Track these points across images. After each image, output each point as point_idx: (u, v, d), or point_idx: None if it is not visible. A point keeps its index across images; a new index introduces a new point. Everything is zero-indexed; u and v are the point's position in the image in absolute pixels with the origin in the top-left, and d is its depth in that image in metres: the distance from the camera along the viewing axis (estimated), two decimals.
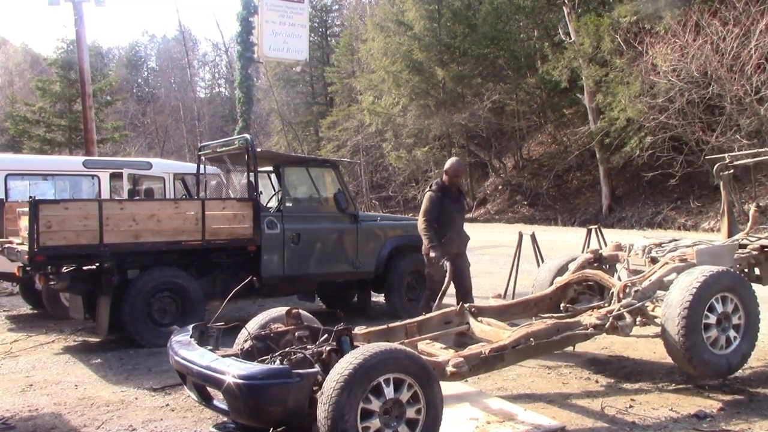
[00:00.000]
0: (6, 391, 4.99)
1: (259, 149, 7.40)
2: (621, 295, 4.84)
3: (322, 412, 3.16)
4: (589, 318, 4.63)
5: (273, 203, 7.80)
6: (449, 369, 3.88)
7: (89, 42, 21.09)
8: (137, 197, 9.55)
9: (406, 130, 32.31)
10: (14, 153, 21.96)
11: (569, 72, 24.28)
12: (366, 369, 3.22)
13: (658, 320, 4.67)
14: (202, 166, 8.29)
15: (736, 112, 18.38)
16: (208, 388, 3.59)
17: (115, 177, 9.60)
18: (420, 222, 6.08)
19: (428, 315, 4.87)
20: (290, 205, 7.31)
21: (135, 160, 11.30)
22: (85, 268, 6.43)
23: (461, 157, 32.93)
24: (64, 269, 6.32)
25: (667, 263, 5.07)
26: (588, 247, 8.40)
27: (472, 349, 4.11)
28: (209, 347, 3.78)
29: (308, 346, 3.70)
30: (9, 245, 6.67)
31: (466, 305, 4.88)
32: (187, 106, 48.18)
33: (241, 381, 3.21)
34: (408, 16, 31.51)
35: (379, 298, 8.24)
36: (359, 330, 4.35)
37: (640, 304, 4.72)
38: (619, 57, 21.12)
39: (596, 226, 9.21)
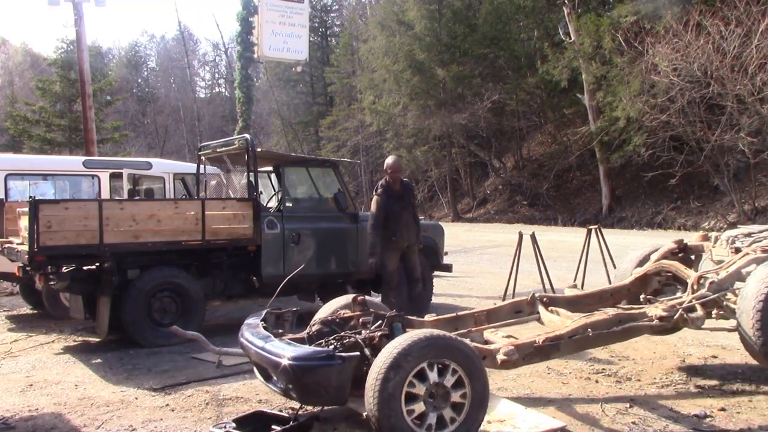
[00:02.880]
0: (6, 391, 4.98)
1: (259, 149, 7.40)
2: (695, 287, 4.76)
3: (369, 391, 3.36)
4: (655, 309, 4.53)
5: (273, 203, 7.80)
6: (500, 357, 3.92)
7: (89, 42, 21.11)
8: (137, 197, 9.55)
9: (407, 129, 32.30)
10: (14, 153, 21.94)
11: (569, 72, 24.29)
12: (411, 353, 3.38)
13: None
14: (202, 166, 8.29)
15: (737, 112, 18.38)
16: (268, 369, 3.82)
17: (115, 177, 9.60)
18: (369, 225, 6.90)
19: (499, 304, 4.98)
20: (290, 205, 7.30)
21: (135, 160, 11.30)
22: (85, 268, 6.42)
23: (463, 156, 33.03)
24: (64, 269, 6.31)
25: (747, 254, 4.89)
26: (588, 247, 8.40)
27: (526, 338, 4.14)
28: (280, 331, 4.04)
29: (362, 331, 3.89)
30: (9, 245, 6.66)
31: (538, 295, 4.93)
32: (187, 106, 48.17)
33: (291, 362, 3.46)
34: (409, 15, 31.53)
35: (379, 297, 8.23)
36: (429, 317, 4.55)
37: (715, 296, 4.59)
38: (620, 56, 21.12)
39: (596, 226, 9.19)
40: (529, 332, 4.70)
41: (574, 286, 5.53)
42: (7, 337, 7.07)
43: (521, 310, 4.81)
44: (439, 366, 3.48)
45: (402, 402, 3.35)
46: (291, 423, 3.64)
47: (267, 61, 22.06)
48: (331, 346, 3.66)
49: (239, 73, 21.57)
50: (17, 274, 6.78)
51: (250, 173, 7.01)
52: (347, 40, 41.52)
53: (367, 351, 3.65)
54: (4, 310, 9.01)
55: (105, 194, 9.19)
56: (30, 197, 5.86)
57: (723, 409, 4.21)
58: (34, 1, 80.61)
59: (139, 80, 61.68)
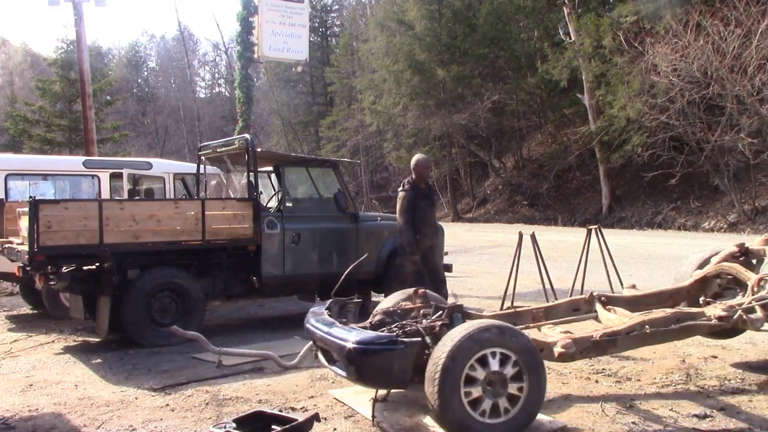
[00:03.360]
0: (6, 391, 4.98)
1: (259, 149, 7.40)
2: (755, 289, 4.77)
3: (429, 375, 3.53)
4: (714, 309, 4.55)
5: (273, 203, 7.80)
6: (557, 350, 4.00)
7: (89, 42, 21.11)
8: (137, 197, 9.55)
9: (407, 129, 32.31)
10: (14, 153, 21.94)
11: (569, 72, 24.29)
12: (471, 341, 3.55)
13: None
14: (202, 166, 8.29)
15: (737, 112, 18.39)
16: (332, 353, 3.99)
17: (115, 177, 9.60)
18: (400, 220, 6.77)
19: (557, 301, 5.04)
20: (290, 205, 7.30)
21: (135, 160, 11.29)
22: (85, 268, 6.43)
23: (463, 156, 33.02)
24: (64, 269, 6.31)
25: None
26: (588, 247, 8.37)
27: (583, 332, 4.20)
28: (343, 320, 4.23)
29: (423, 321, 4.05)
30: (9, 245, 6.66)
31: (596, 293, 4.97)
32: (187, 106, 48.18)
33: (355, 346, 3.65)
34: (409, 16, 31.53)
35: (379, 297, 8.23)
36: (487, 312, 4.70)
37: None
38: (620, 56, 21.12)
39: (596, 226, 9.18)
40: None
41: (633, 287, 5.51)
42: (7, 337, 7.07)
43: (579, 308, 4.90)
44: (499, 355, 3.61)
45: (460, 388, 3.51)
46: (291, 423, 3.64)
47: (267, 61, 22.03)
48: (394, 333, 3.83)
49: (239, 73, 21.55)
50: (17, 274, 6.78)
51: (250, 173, 7.01)
52: (347, 40, 41.53)
53: (427, 339, 3.79)
54: (4, 310, 9.01)
55: (105, 194, 9.19)
56: (30, 197, 5.86)
57: (723, 409, 4.21)
58: (34, 1, 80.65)
59: (139, 80, 61.69)
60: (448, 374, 3.47)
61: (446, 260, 8.55)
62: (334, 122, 39.66)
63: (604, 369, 5.24)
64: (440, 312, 4.12)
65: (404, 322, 4.13)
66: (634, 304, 5.02)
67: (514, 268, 7.85)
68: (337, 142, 39.30)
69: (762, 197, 19.97)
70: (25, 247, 5.92)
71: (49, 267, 6.17)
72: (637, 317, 4.35)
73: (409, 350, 3.65)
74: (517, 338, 3.68)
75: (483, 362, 3.58)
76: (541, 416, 4.06)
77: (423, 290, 4.53)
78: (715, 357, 5.52)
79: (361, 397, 4.49)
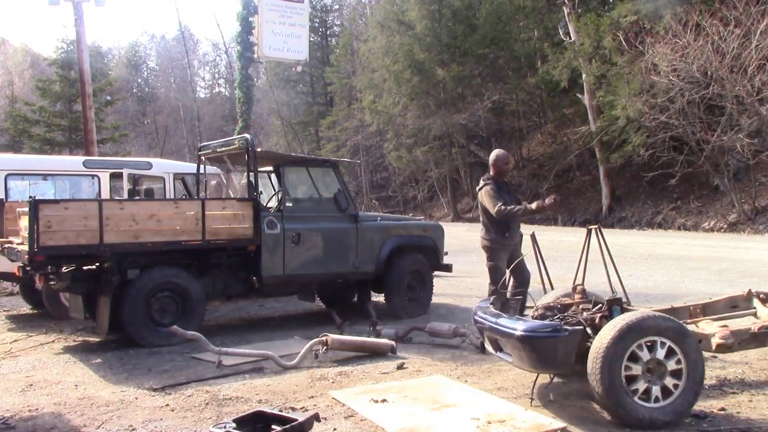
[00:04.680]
0: (6, 391, 4.98)
1: (259, 149, 7.40)
2: None
3: (592, 362, 3.81)
4: None
5: (273, 203, 7.80)
6: (715, 341, 4.16)
7: (89, 42, 21.10)
8: (137, 197, 9.55)
9: (407, 129, 32.31)
10: (14, 153, 21.94)
11: (569, 72, 24.28)
12: (631, 329, 3.79)
13: None
14: (202, 166, 8.29)
15: (737, 112, 18.38)
16: (499, 341, 4.40)
17: (115, 177, 9.60)
18: (496, 209, 6.28)
19: (714, 299, 5.10)
20: (290, 205, 7.30)
21: (135, 160, 11.29)
22: (85, 268, 6.43)
23: (463, 156, 33.02)
24: (64, 269, 6.31)
25: None
26: (588, 247, 8.34)
27: (740, 324, 4.35)
28: (507, 314, 4.58)
29: (584, 313, 4.34)
30: (9, 245, 6.66)
31: (753, 291, 5.01)
32: (187, 106, 48.15)
33: (523, 333, 4.01)
34: (409, 15, 31.53)
35: (379, 298, 8.24)
36: (644, 307, 4.80)
37: None
38: (620, 56, 21.12)
39: (596, 226, 9.16)
40: None
41: None
42: (7, 337, 7.07)
43: (737, 305, 4.97)
44: (658, 344, 3.82)
45: (621, 373, 3.77)
46: (291, 423, 3.63)
47: (267, 61, 22.02)
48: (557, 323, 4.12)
49: (239, 73, 21.52)
50: (17, 274, 6.76)
51: (250, 173, 7.01)
52: (347, 40, 41.53)
53: (588, 329, 4.07)
54: (4, 310, 9.02)
55: (105, 194, 9.18)
56: (30, 197, 5.85)
57: (723, 409, 4.21)
58: (34, 1, 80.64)
59: (139, 80, 61.72)
60: (609, 360, 3.74)
61: (446, 260, 8.56)
62: (334, 122, 39.66)
63: None
64: (600, 305, 4.38)
65: (565, 314, 4.41)
66: None
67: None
68: (337, 142, 39.29)
69: (762, 197, 19.97)
70: (25, 247, 5.92)
71: (49, 267, 6.17)
72: None
73: (572, 338, 3.97)
74: (676, 328, 3.88)
75: (643, 350, 3.81)
76: (541, 416, 4.07)
77: (582, 287, 4.77)
78: (715, 357, 5.51)
79: (361, 398, 4.50)
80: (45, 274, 6.21)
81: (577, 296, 4.73)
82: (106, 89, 28.18)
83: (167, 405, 4.51)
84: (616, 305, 4.26)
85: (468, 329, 6.27)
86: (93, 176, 9.27)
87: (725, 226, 19.76)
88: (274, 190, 8.02)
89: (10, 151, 25.54)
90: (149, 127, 52.78)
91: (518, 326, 4.11)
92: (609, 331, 3.83)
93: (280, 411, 4.02)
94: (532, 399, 4.43)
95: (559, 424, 3.96)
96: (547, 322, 4.21)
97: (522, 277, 6.52)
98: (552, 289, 7.77)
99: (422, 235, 8.23)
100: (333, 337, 5.78)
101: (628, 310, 4.28)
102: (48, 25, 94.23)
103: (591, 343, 3.94)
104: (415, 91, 30.80)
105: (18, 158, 12.38)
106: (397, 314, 7.64)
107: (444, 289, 9.55)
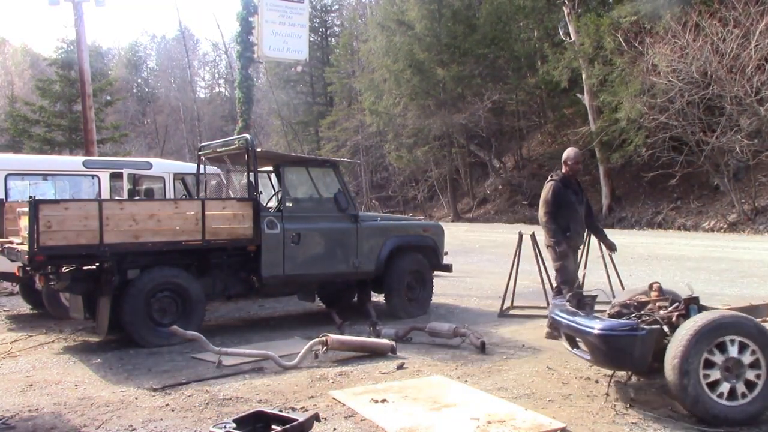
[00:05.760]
0: (6, 391, 4.98)
1: (259, 149, 7.39)
2: None
3: (669, 359, 3.88)
4: None
5: (273, 203, 7.80)
6: None
7: (89, 42, 21.10)
8: (137, 197, 9.55)
9: (407, 130, 32.31)
10: (14, 153, 21.94)
11: (569, 72, 24.28)
12: (708, 328, 3.86)
13: None
14: (202, 166, 8.29)
15: (736, 113, 18.39)
16: (576, 338, 4.49)
17: (115, 177, 9.60)
18: (541, 213, 6.21)
19: None
20: (290, 205, 7.30)
21: (135, 160, 11.29)
22: (85, 268, 6.43)
23: (463, 156, 33.02)
24: (64, 269, 6.31)
25: None
26: (588, 247, 8.36)
27: None
28: (583, 312, 4.68)
29: (660, 312, 4.40)
30: (9, 245, 6.66)
31: None
32: (187, 106, 48.18)
33: (600, 332, 4.14)
34: (409, 15, 31.53)
35: (379, 298, 8.24)
36: (722, 305, 4.94)
37: None
38: (620, 56, 21.13)
39: None
40: None
41: None
42: (7, 337, 7.07)
43: None
44: (737, 343, 3.86)
45: (699, 372, 3.83)
46: (291, 423, 3.64)
47: (267, 61, 22.03)
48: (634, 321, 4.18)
49: (239, 73, 21.54)
50: (17, 274, 6.77)
51: (250, 173, 7.01)
52: (347, 40, 41.52)
53: (665, 328, 4.14)
54: (4, 310, 9.02)
55: (105, 194, 9.18)
56: (30, 197, 5.85)
57: None
58: (34, 1, 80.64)
59: (139, 80, 61.71)
60: (687, 359, 3.80)
61: (446, 260, 8.57)
62: (334, 122, 39.65)
63: (604, 369, 5.23)
64: (677, 303, 4.43)
65: (641, 312, 4.47)
66: None
67: (514, 268, 7.85)
68: (337, 142, 39.29)
69: (762, 197, 19.97)
70: (25, 247, 5.91)
71: (49, 267, 6.17)
72: None
73: (649, 336, 4.05)
74: (755, 327, 3.91)
75: (721, 348, 3.86)
76: (541, 416, 4.07)
77: (658, 284, 4.79)
78: None
79: (361, 398, 4.50)
80: (45, 274, 6.21)
81: (653, 294, 4.78)
82: (106, 89, 28.17)
83: (167, 405, 4.51)
84: (693, 304, 4.32)
85: (468, 329, 6.27)
86: (93, 176, 9.27)
87: (725, 226, 19.76)
88: (274, 190, 8.02)
89: (10, 151, 25.53)
90: (149, 127, 52.79)
91: (596, 325, 4.22)
92: (687, 329, 3.89)
93: (280, 411, 4.02)
94: (607, 395, 4.47)
95: (559, 424, 3.96)
96: (624, 320, 4.28)
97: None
98: (552, 288, 7.80)
99: (422, 235, 8.23)
100: (333, 337, 5.79)
101: (705, 309, 4.34)
102: (48, 25, 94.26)
103: (668, 341, 4.01)
104: (415, 91, 30.80)
105: (18, 158, 12.39)
106: (397, 314, 7.64)
107: (444, 289, 9.55)
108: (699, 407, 3.85)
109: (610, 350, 4.15)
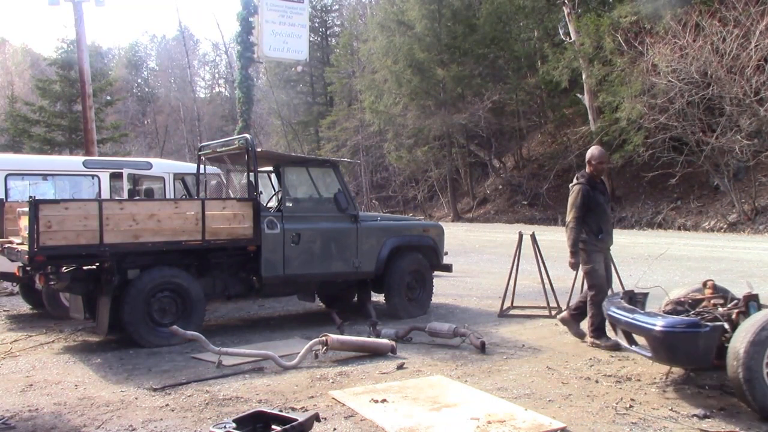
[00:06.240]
0: (6, 391, 4.98)
1: (259, 149, 7.40)
2: None
3: (732, 356, 3.93)
4: None
5: (273, 203, 7.80)
6: None
7: (89, 42, 21.11)
8: (137, 197, 9.55)
9: (407, 130, 32.30)
10: (14, 153, 21.94)
11: (569, 72, 24.28)
12: None
13: None
14: (202, 166, 8.29)
15: (736, 113, 18.39)
16: (633, 335, 4.55)
17: (115, 177, 9.60)
18: (570, 218, 6.02)
19: None
20: (290, 205, 7.30)
21: (135, 160, 11.28)
22: (85, 268, 6.43)
23: (463, 156, 33.02)
24: (64, 269, 6.31)
25: None
26: None
27: None
28: (632, 307, 4.75)
29: (719, 309, 4.45)
30: (9, 245, 6.66)
31: None
32: (187, 106, 48.19)
33: (663, 329, 4.16)
34: (409, 15, 31.52)
35: (379, 298, 8.24)
36: None
37: None
38: (620, 56, 21.13)
39: None
40: None
41: None
42: (7, 337, 7.07)
43: None
44: None
45: (763, 369, 3.85)
46: (291, 423, 3.63)
47: (267, 61, 22.06)
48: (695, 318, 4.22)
49: (239, 73, 21.58)
50: (17, 274, 6.77)
51: (250, 173, 7.01)
52: (347, 40, 41.50)
53: (725, 325, 4.18)
54: (4, 310, 9.02)
55: (105, 194, 9.18)
56: (30, 197, 5.85)
57: (723, 409, 4.21)
58: (34, 1, 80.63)
59: (139, 80, 61.69)
60: (750, 356, 3.83)
61: (446, 260, 8.57)
62: (334, 122, 39.62)
63: (604, 369, 5.24)
64: (736, 301, 4.47)
65: (701, 309, 4.50)
66: None
67: (514, 268, 7.86)
68: (337, 142, 39.26)
69: (762, 197, 19.97)
70: (25, 247, 5.91)
71: (49, 267, 6.16)
72: None
73: (712, 333, 4.09)
74: None
75: None
76: (541, 416, 4.07)
77: (712, 281, 4.81)
78: None
79: (361, 398, 4.50)
80: (45, 274, 6.20)
81: (707, 291, 4.79)
82: (106, 89, 28.19)
83: (167, 405, 4.51)
84: (752, 301, 4.34)
85: (468, 329, 6.27)
86: (93, 176, 9.27)
87: (725, 226, 19.76)
88: (274, 190, 8.02)
89: (10, 151, 25.53)
90: (149, 127, 52.80)
91: (657, 322, 4.24)
92: (750, 326, 3.92)
93: (280, 411, 4.02)
94: (664, 391, 4.51)
95: (559, 424, 3.96)
96: (685, 317, 4.31)
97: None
98: (552, 289, 7.81)
99: (422, 235, 8.23)
100: (333, 337, 5.79)
101: (764, 307, 4.37)
102: (48, 25, 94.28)
103: (728, 338, 4.04)
104: (415, 91, 30.79)
105: (18, 158, 12.39)
106: (397, 314, 7.64)
107: (444, 289, 9.55)
108: (763, 405, 3.89)
109: (672, 347, 4.19)
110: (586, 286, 6.24)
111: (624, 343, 4.74)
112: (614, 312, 4.77)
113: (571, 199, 6.07)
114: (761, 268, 11.22)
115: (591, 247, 6.02)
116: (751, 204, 19.61)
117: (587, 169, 6.23)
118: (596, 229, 6.02)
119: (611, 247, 6.36)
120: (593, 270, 6.02)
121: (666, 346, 4.21)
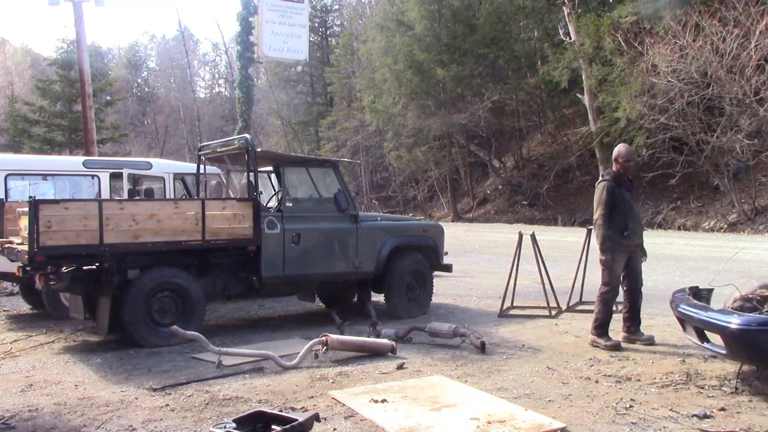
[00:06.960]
0: (6, 391, 4.98)
1: (259, 149, 7.40)
2: None
3: None
4: None
5: (273, 203, 7.80)
6: None
7: (89, 42, 21.11)
8: (137, 197, 9.54)
9: (407, 129, 32.30)
10: (14, 153, 21.94)
11: (569, 72, 24.28)
12: None
13: None
14: (202, 166, 8.29)
15: (736, 113, 18.39)
16: (705, 332, 4.54)
17: (115, 177, 9.59)
18: (598, 215, 5.98)
19: None
20: (290, 205, 7.30)
21: (135, 160, 11.28)
22: (85, 268, 6.43)
23: (463, 156, 33.02)
24: (64, 269, 6.31)
25: None
26: (588, 247, 8.36)
27: None
28: (704, 304, 4.76)
29: None
30: (9, 245, 6.66)
31: None
32: (187, 106, 48.19)
33: (740, 326, 4.14)
34: (409, 16, 31.53)
35: (379, 298, 8.24)
36: None
37: None
38: (620, 57, 21.13)
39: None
40: None
41: None
42: (7, 337, 7.07)
43: None
44: None
45: None
46: (291, 423, 3.63)
47: (267, 61, 22.05)
48: None
49: (239, 73, 21.57)
50: (17, 274, 6.76)
51: (250, 173, 7.01)
52: (347, 40, 41.51)
53: None
54: (4, 310, 9.01)
55: (105, 194, 9.18)
56: (30, 197, 5.85)
57: (723, 409, 4.21)
58: (34, 1, 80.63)
59: (139, 80, 61.69)
60: None
61: (446, 260, 8.57)
62: (334, 122, 39.63)
63: (604, 369, 5.24)
64: None
65: None
66: None
67: (514, 268, 7.85)
68: (336, 142, 39.27)
69: (762, 197, 19.98)
70: (25, 247, 5.91)
71: (49, 267, 6.16)
72: None
73: None
74: None
75: None
76: (541, 416, 4.07)
77: None
78: (715, 357, 5.51)
79: (361, 398, 4.50)
80: (45, 274, 6.20)
81: None
82: (106, 89, 28.19)
83: (167, 405, 4.51)
84: None
85: (468, 329, 6.27)
86: (93, 176, 9.27)
87: (725, 226, 19.76)
88: (274, 190, 8.02)
89: (10, 151, 25.53)
90: (149, 127, 52.81)
91: (733, 320, 4.22)
92: None
93: (280, 411, 4.02)
94: (736, 389, 4.52)
95: (559, 424, 3.95)
96: (760, 315, 4.31)
97: (634, 287, 6.16)
98: (552, 289, 7.80)
99: (422, 235, 8.23)
100: (333, 337, 5.78)
101: None
102: (48, 25, 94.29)
103: None
104: (415, 91, 30.80)
105: (18, 158, 12.38)
106: (397, 314, 7.64)
107: (444, 289, 9.55)
108: None
109: (749, 345, 4.18)
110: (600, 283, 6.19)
111: (695, 339, 4.71)
112: (684, 309, 4.74)
113: (596, 197, 6.05)
114: (761, 268, 11.21)
115: (615, 246, 5.97)
116: (751, 204, 19.61)
117: (614, 167, 6.23)
118: (622, 225, 5.98)
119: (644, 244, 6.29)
120: (611, 268, 6.00)
121: (742, 344, 4.20)
